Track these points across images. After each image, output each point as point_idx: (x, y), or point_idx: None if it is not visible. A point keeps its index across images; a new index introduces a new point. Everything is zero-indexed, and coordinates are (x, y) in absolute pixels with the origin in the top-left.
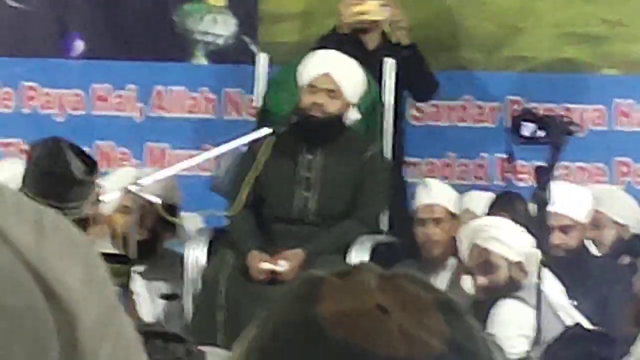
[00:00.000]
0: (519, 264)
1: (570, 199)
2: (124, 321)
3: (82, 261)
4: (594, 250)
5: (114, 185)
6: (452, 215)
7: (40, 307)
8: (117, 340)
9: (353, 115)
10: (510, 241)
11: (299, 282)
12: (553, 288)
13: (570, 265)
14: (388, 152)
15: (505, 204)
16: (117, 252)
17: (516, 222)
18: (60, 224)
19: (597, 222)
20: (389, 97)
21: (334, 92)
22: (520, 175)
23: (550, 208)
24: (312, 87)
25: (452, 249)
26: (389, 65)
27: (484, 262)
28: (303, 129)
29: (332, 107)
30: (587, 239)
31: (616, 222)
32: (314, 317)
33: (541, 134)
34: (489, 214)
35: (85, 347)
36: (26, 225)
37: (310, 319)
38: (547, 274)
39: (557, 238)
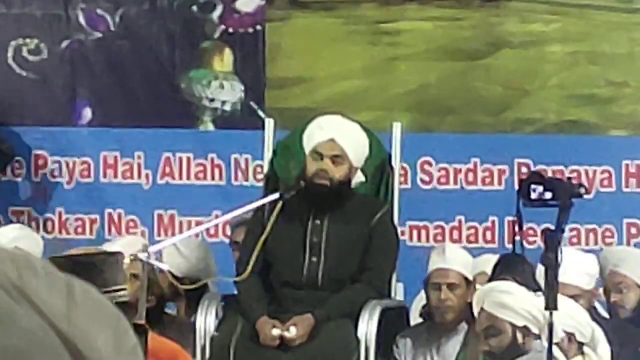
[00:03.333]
0: (525, 329)
1: (577, 267)
2: None
3: (111, 328)
4: (603, 312)
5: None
6: (467, 280)
7: None
8: None
9: (358, 178)
10: (516, 305)
11: None
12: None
13: None
14: (395, 216)
15: (509, 266)
16: (134, 322)
17: (520, 284)
18: (90, 293)
19: (619, 285)
20: (396, 161)
21: (339, 158)
22: (530, 238)
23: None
24: (317, 154)
25: (464, 313)
26: (397, 130)
27: (489, 326)
28: (310, 195)
29: (338, 173)
30: (610, 302)
31: (638, 285)
32: None
33: (549, 196)
34: (492, 276)
35: None
36: (57, 294)
37: None
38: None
39: None
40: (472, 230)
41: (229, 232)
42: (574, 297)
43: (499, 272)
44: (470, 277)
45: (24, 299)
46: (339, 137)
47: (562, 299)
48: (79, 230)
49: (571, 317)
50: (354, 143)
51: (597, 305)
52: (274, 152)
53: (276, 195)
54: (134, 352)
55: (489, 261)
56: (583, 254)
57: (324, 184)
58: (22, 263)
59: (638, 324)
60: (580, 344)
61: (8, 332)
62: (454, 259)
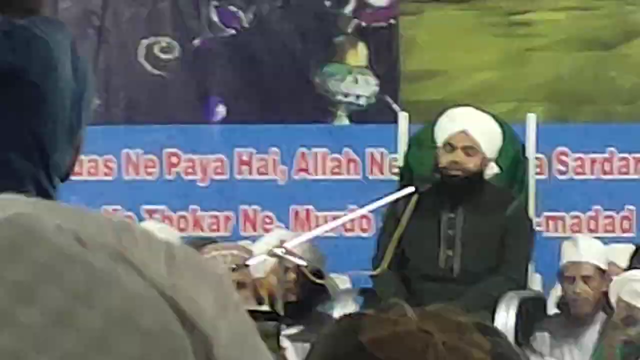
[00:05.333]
0: None
1: None
2: (258, 342)
3: (213, 287)
4: None
5: (263, 249)
6: (601, 271)
7: (175, 329)
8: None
9: (492, 170)
10: None
11: (340, 318)
12: None
13: None
14: (530, 207)
15: None
16: (266, 310)
17: None
18: (190, 255)
19: None
20: (531, 151)
21: (471, 149)
22: None
23: None
24: (449, 146)
25: (601, 304)
26: (532, 121)
27: (627, 316)
28: (444, 188)
29: (471, 164)
30: None
31: None
32: (360, 345)
33: None
34: (630, 265)
35: None
36: (157, 257)
37: (357, 347)
38: None
39: None
40: (609, 220)
41: (365, 226)
42: None
43: (636, 261)
44: (605, 267)
45: (126, 263)
46: (470, 128)
47: None
48: (214, 227)
49: None
50: (486, 134)
51: None
52: (409, 145)
53: (412, 189)
54: (237, 309)
55: (619, 250)
56: None
57: (457, 175)
58: (121, 228)
59: None
60: None
61: (113, 294)
62: (587, 250)
